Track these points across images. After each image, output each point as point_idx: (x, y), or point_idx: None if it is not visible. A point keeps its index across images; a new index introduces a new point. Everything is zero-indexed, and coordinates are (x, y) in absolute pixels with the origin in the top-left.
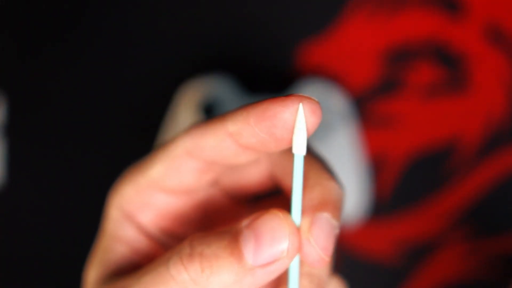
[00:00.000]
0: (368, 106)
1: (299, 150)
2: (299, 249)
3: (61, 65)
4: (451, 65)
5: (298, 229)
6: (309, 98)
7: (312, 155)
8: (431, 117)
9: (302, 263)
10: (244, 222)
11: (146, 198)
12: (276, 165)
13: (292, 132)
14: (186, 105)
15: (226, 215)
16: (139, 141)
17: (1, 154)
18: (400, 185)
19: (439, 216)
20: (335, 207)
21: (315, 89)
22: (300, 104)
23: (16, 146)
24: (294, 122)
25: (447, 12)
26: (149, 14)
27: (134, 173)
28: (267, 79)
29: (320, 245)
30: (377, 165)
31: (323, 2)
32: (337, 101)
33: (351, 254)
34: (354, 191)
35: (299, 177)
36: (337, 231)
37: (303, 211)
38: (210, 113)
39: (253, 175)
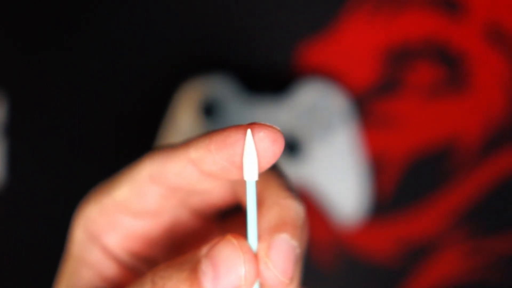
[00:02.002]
0: (368, 106)
1: (250, 177)
2: (257, 275)
3: (61, 64)
4: (451, 65)
5: (254, 255)
6: (270, 127)
7: (271, 172)
8: (431, 117)
9: (263, 286)
10: (203, 251)
11: (112, 220)
12: (237, 183)
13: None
14: (185, 105)
15: (194, 233)
16: (139, 141)
17: (1, 154)
18: (400, 185)
19: (439, 216)
20: (294, 226)
21: (315, 89)
22: (249, 130)
23: (16, 146)
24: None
25: (447, 12)
26: (149, 14)
27: (99, 194)
28: (267, 78)
29: (278, 268)
30: (377, 165)
31: (323, 2)
32: (337, 101)
33: (351, 254)
34: (354, 191)
35: (252, 202)
36: (298, 250)
37: (261, 234)
38: (210, 112)
39: (218, 193)
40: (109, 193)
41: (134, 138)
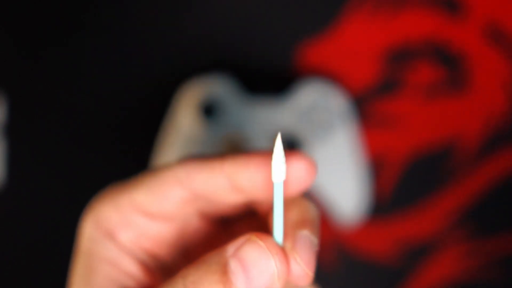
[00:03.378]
0: (368, 106)
1: (278, 178)
2: (289, 271)
3: (61, 65)
4: (451, 65)
5: (282, 250)
6: (308, 159)
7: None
8: (431, 117)
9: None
10: (229, 252)
11: (127, 218)
12: (252, 192)
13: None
14: (185, 106)
15: (201, 236)
16: (139, 141)
17: (1, 154)
18: (400, 185)
19: (439, 216)
20: (313, 224)
21: (314, 89)
22: (279, 135)
23: (16, 146)
24: (288, 172)
25: (447, 12)
26: (149, 14)
27: (115, 193)
28: (267, 79)
29: (305, 261)
30: (377, 165)
31: (322, 2)
32: (337, 101)
33: (351, 254)
34: (354, 191)
35: (279, 202)
36: (316, 248)
37: (285, 231)
38: (210, 113)
39: (233, 203)
40: (127, 192)
41: (135, 138)
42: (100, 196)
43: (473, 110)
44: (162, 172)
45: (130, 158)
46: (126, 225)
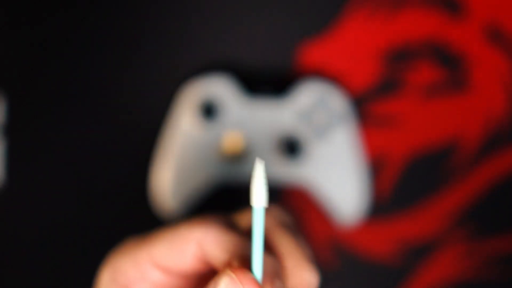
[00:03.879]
0: (368, 107)
1: (258, 203)
2: None
3: (61, 65)
4: (451, 65)
5: (257, 283)
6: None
7: (298, 240)
8: (431, 117)
9: None
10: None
11: (144, 273)
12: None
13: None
14: (186, 106)
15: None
16: (139, 141)
17: (0, 154)
18: (400, 185)
19: (439, 216)
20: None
21: (315, 89)
22: (259, 161)
23: (15, 146)
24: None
25: (447, 12)
26: (149, 15)
27: (133, 247)
28: (267, 79)
29: None
30: (377, 165)
31: (323, 3)
32: (337, 102)
33: (351, 254)
34: (353, 191)
35: (258, 230)
36: None
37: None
38: (211, 114)
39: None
40: (146, 247)
41: (135, 139)
42: (119, 249)
43: (473, 110)
44: (180, 229)
45: (131, 158)
46: (143, 281)
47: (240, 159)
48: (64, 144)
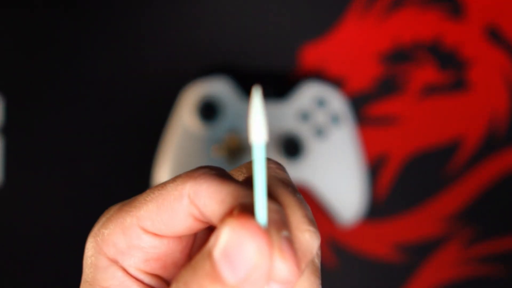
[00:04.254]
0: (368, 107)
1: (258, 138)
2: (271, 247)
3: (60, 65)
4: (450, 66)
5: (262, 230)
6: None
7: (298, 198)
8: (431, 117)
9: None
10: (211, 242)
11: (134, 241)
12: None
13: None
14: (187, 107)
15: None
16: (140, 142)
17: None
18: (399, 185)
19: (439, 216)
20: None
21: (315, 91)
22: (257, 86)
23: (14, 146)
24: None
25: (447, 12)
26: (150, 16)
27: (118, 214)
28: (268, 81)
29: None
30: (377, 165)
31: (323, 5)
32: (337, 103)
33: (350, 253)
34: (353, 191)
35: (260, 169)
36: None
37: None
38: (211, 115)
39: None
40: (133, 210)
41: (136, 139)
42: (105, 218)
43: (473, 110)
44: (168, 186)
45: (131, 158)
46: (133, 249)
47: (240, 159)
48: (62, 144)
